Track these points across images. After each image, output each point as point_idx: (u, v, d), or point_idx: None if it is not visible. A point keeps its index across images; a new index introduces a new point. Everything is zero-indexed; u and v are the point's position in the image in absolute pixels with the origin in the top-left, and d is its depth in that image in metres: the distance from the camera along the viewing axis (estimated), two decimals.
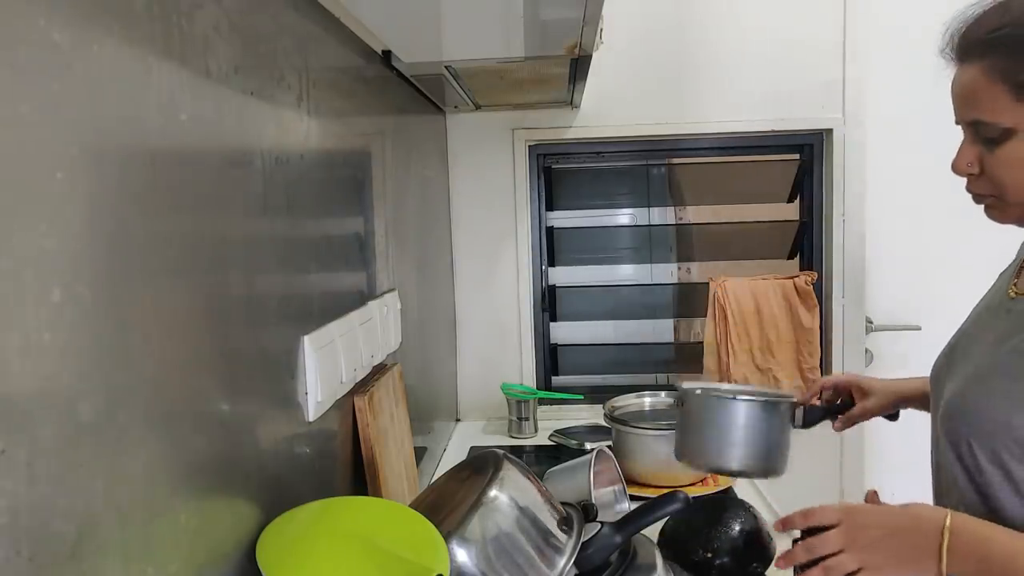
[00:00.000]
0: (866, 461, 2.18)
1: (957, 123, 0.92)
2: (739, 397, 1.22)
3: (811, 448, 1.41)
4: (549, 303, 2.28)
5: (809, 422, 1.25)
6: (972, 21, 0.89)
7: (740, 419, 1.20)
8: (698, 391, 1.26)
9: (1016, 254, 1.06)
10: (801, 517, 0.96)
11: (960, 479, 0.94)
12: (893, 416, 1.27)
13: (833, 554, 0.91)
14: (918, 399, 1.20)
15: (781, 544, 1.15)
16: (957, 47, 0.90)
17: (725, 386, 1.45)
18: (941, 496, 1.03)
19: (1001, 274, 1.06)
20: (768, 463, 1.21)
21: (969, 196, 0.95)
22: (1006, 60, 0.84)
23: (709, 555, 1.13)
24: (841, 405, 1.29)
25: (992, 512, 0.91)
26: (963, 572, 0.84)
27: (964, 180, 0.94)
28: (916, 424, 1.19)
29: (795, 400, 1.24)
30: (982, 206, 0.94)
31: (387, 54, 1.37)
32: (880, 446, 2.17)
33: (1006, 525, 0.89)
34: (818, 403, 1.31)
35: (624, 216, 2.35)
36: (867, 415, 1.28)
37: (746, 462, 1.20)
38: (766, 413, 1.21)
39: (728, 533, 1.15)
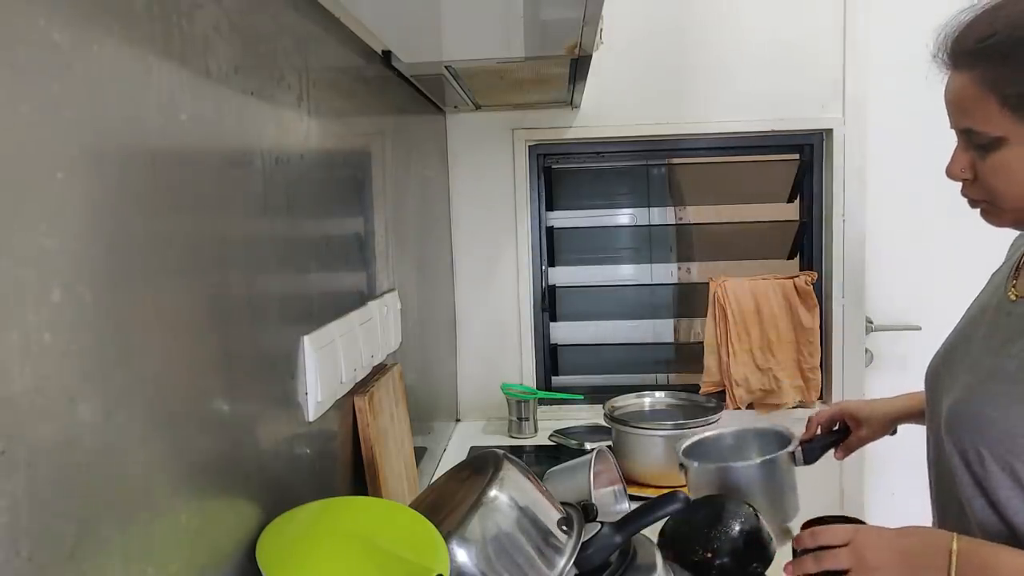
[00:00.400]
0: (866, 462, 2.18)
1: (951, 128, 0.92)
2: (736, 464, 1.23)
3: None
4: (549, 303, 2.28)
5: (810, 459, 1.26)
6: (963, 27, 0.88)
7: (740, 483, 1.22)
8: (695, 464, 1.27)
9: (1007, 254, 1.06)
10: (810, 537, 0.97)
11: (966, 485, 0.94)
12: (892, 432, 1.28)
13: (841, 572, 0.91)
14: (914, 416, 1.20)
15: (782, 545, 1.15)
16: (949, 54, 0.89)
17: (726, 427, 1.44)
18: (943, 500, 1.03)
19: (994, 274, 1.05)
20: (778, 511, 1.23)
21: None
22: (996, 70, 0.84)
23: (709, 555, 1.13)
24: (839, 433, 1.30)
25: (1000, 518, 0.91)
26: None
27: (959, 184, 0.94)
28: (915, 426, 1.19)
29: (792, 450, 1.25)
30: (978, 210, 0.94)
31: (387, 54, 1.37)
32: (880, 447, 2.16)
33: (1013, 532, 0.89)
34: (818, 433, 1.32)
35: (624, 216, 2.35)
36: (864, 443, 1.29)
37: None
38: (765, 470, 1.22)
39: (728, 533, 1.14)
